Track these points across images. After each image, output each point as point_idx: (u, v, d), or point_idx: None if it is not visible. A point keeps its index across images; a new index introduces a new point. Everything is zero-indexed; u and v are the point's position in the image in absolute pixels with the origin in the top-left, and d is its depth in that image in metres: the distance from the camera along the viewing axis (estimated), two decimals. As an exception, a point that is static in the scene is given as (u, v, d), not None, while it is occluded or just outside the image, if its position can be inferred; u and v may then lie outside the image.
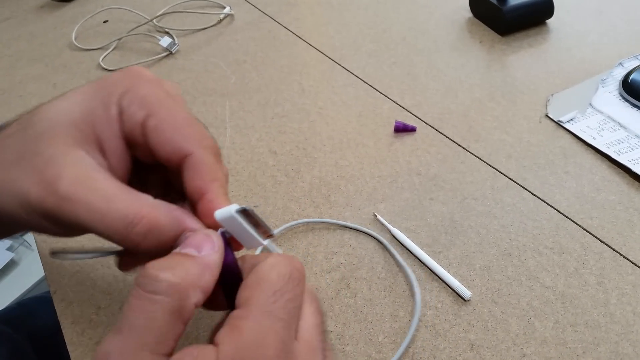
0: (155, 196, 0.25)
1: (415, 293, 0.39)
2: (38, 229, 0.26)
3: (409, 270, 0.40)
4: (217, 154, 0.27)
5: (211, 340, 0.21)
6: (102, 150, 0.26)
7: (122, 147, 0.27)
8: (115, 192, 0.24)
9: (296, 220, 0.45)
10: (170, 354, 0.20)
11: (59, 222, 0.24)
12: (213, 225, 0.25)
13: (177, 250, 0.23)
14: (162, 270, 0.20)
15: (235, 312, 0.21)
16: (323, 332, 0.24)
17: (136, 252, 0.24)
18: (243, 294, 0.22)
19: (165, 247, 0.24)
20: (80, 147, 0.25)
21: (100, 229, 0.23)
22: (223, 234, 0.24)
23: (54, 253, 0.29)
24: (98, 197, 0.23)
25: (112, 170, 0.27)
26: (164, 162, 0.27)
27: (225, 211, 0.24)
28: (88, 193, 0.23)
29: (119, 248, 0.27)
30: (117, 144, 0.27)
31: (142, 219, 0.23)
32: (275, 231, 0.44)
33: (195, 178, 0.26)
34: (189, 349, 0.20)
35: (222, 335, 0.20)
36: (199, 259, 0.22)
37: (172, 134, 0.26)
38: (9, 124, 0.28)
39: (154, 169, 0.29)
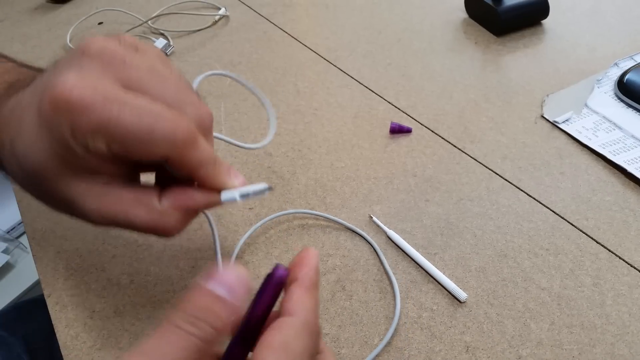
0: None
1: (396, 298, 0.39)
2: None
3: (394, 279, 0.40)
4: (191, 141, 0.27)
5: None
6: (97, 175, 0.28)
7: (109, 163, 0.28)
8: (130, 205, 0.28)
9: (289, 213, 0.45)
10: None
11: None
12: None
13: (208, 286, 0.22)
14: (198, 320, 0.21)
15: None
16: None
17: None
18: (266, 354, 0.21)
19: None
20: (78, 179, 0.28)
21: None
22: (280, 276, 0.24)
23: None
24: (122, 207, 0.28)
25: (115, 177, 0.29)
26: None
27: (230, 195, 0.29)
28: (114, 207, 0.28)
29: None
30: (102, 165, 0.28)
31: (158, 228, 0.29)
32: (270, 217, 0.45)
33: (181, 172, 0.28)
34: None
35: None
36: (229, 305, 0.22)
37: (139, 149, 0.26)
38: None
39: None
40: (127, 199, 0.28)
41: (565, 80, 0.57)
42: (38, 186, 0.29)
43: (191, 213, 0.30)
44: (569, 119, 0.52)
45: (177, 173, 0.29)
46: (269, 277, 0.24)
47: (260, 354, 0.21)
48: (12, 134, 0.28)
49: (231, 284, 0.22)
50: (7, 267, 1.18)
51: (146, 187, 0.30)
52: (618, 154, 0.48)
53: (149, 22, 0.72)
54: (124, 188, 0.29)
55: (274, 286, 0.23)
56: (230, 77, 0.42)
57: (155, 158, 0.27)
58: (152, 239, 0.44)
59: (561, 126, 0.51)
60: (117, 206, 0.28)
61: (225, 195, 0.29)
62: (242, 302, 0.22)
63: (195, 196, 0.29)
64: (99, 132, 0.25)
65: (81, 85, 0.25)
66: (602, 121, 0.51)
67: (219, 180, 0.29)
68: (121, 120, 0.25)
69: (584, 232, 0.42)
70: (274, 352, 0.21)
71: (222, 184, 0.29)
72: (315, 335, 0.23)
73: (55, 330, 0.39)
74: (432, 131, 0.53)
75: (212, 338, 0.21)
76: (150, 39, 0.69)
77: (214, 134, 0.37)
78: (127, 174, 0.30)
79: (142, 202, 0.28)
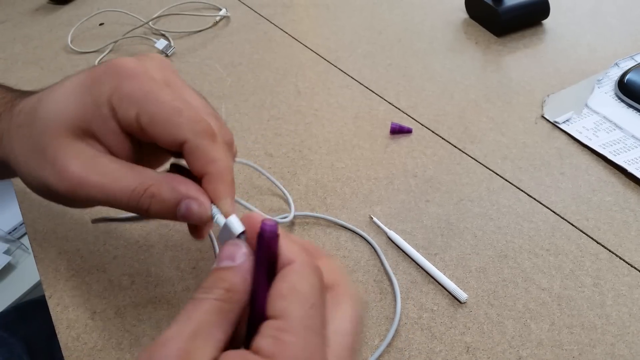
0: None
1: (396, 299, 0.39)
2: (58, 200, 0.32)
3: (394, 279, 0.40)
4: (211, 135, 0.29)
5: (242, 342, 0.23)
6: (101, 142, 0.30)
7: (121, 138, 0.30)
8: (120, 170, 0.29)
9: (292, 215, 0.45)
10: (219, 348, 0.22)
11: (76, 201, 0.30)
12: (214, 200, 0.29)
13: (216, 265, 0.25)
14: (211, 287, 0.23)
15: (274, 323, 0.21)
16: (355, 340, 0.24)
17: (147, 217, 0.29)
18: (278, 303, 0.22)
19: (170, 211, 0.28)
20: (80, 140, 0.29)
21: (113, 203, 0.29)
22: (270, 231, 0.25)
23: (95, 220, 0.33)
24: (106, 178, 0.28)
25: (113, 154, 0.30)
26: (167, 149, 0.30)
27: (234, 226, 0.28)
28: (96, 176, 0.28)
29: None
30: (115, 137, 0.30)
31: (145, 190, 0.28)
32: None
33: (194, 163, 0.29)
34: (238, 355, 0.21)
35: (269, 349, 0.21)
36: (236, 269, 0.24)
37: (164, 126, 0.28)
38: (18, 104, 0.34)
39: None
40: (117, 166, 0.29)
41: (565, 80, 0.57)
42: (37, 141, 0.30)
43: (177, 199, 0.29)
44: (570, 119, 0.52)
45: (190, 165, 0.29)
46: (261, 236, 0.24)
47: (274, 304, 0.22)
48: (46, 94, 0.31)
49: (229, 254, 0.24)
50: (9, 268, 1.19)
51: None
52: (618, 154, 0.48)
53: (150, 22, 0.73)
54: (118, 160, 0.30)
55: (268, 241, 0.24)
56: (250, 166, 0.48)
57: (175, 140, 0.28)
58: (154, 239, 0.45)
59: (561, 126, 0.51)
60: (104, 167, 0.29)
61: (214, 210, 0.29)
62: (245, 260, 0.24)
63: (190, 185, 0.29)
64: (136, 100, 0.28)
65: (136, 65, 0.30)
66: (602, 121, 0.51)
67: (220, 190, 0.29)
68: (158, 97, 0.28)
69: (584, 233, 0.43)
70: (284, 298, 0.22)
71: (218, 197, 0.29)
72: (317, 274, 0.24)
73: (57, 331, 0.39)
74: (433, 131, 0.53)
75: (227, 297, 0.23)
76: (151, 39, 0.69)
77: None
78: (131, 159, 0.31)
79: (135, 169, 0.29)
